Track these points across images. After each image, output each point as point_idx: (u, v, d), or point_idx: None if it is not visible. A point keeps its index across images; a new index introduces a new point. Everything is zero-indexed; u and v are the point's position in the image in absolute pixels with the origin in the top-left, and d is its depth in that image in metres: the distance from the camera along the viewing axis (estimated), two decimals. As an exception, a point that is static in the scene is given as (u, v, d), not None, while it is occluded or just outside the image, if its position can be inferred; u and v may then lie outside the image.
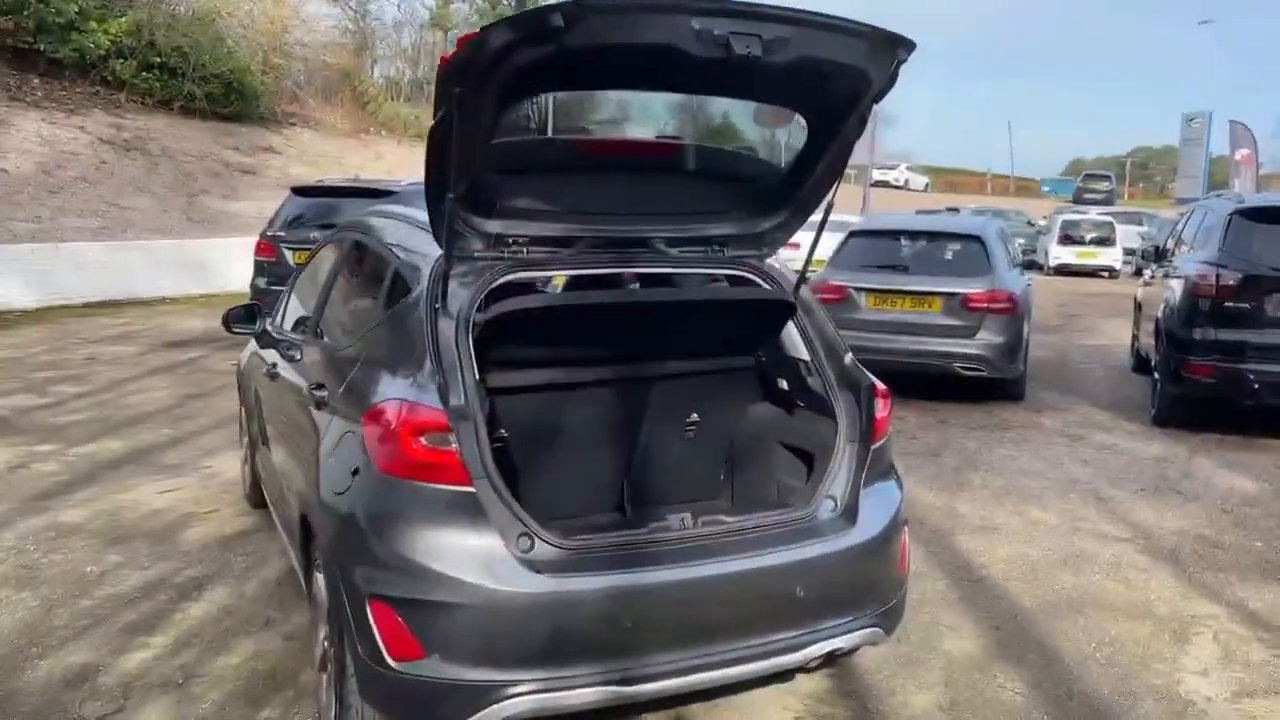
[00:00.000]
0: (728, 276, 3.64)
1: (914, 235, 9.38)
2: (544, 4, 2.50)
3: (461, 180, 2.84)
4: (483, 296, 3.08)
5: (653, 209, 3.49)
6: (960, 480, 6.55)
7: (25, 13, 18.25)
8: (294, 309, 4.74)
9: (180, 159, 19.46)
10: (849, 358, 3.50)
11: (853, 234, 9.51)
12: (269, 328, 4.64)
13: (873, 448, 3.32)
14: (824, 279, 9.04)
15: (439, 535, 2.71)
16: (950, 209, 27.85)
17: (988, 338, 8.47)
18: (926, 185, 54.49)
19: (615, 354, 3.64)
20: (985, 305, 8.48)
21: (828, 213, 3.39)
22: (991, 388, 8.87)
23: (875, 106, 3.12)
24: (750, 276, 3.58)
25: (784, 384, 3.76)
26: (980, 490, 6.34)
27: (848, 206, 28.55)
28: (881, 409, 3.41)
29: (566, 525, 3.42)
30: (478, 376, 2.94)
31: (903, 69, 2.95)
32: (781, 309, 3.56)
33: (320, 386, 3.40)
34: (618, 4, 2.60)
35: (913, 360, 8.57)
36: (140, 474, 6.13)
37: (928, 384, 8.80)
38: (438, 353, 2.89)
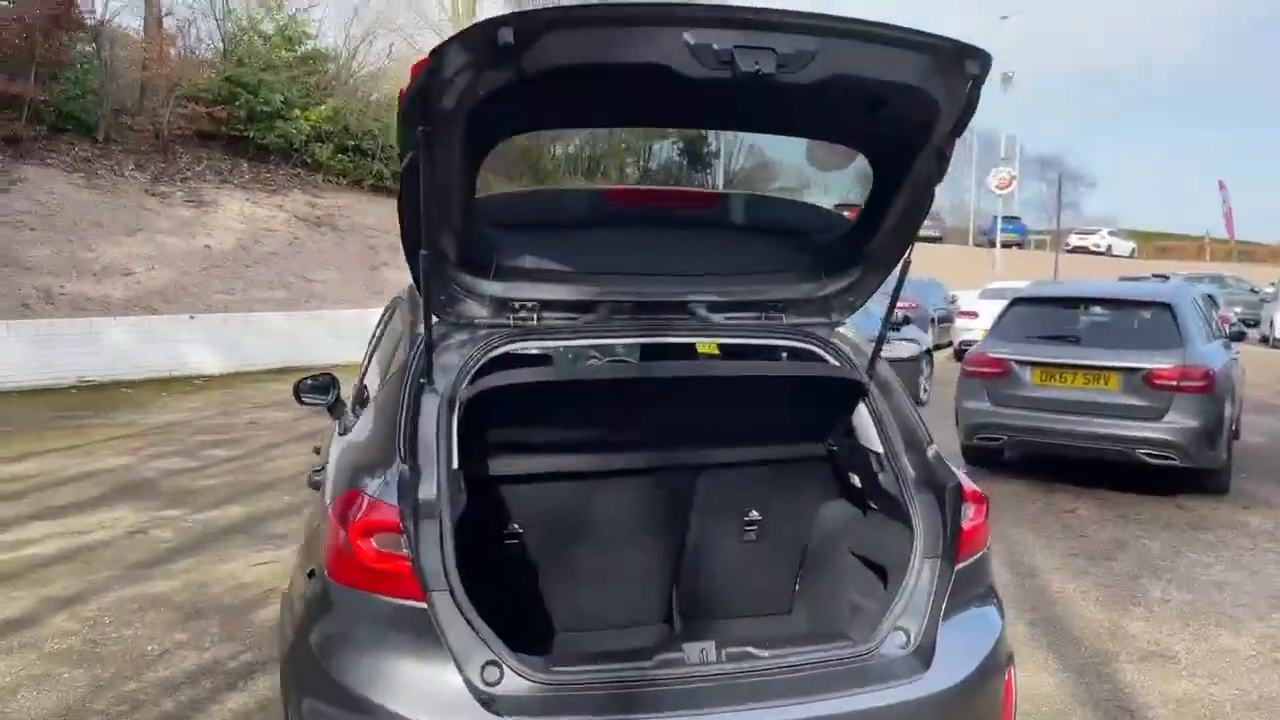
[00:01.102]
0: (786, 349, 3.10)
1: (1089, 302, 8.37)
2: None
3: (442, 234, 2.49)
4: (474, 370, 2.69)
5: (694, 269, 3.01)
6: (1135, 591, 5.54)
7: (237, 104, 19.97)
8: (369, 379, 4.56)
9: (365, 234, 20.55)
10: (933, 451, 2.86)
11: (1016, 301, 8.58)
12: (341, 398, 4.45)
13: (958, 567, 2.65)
14: (982, 351, 8.17)
15: (382, 660, 2.28)
16: (1158, 276, 25.56)
17: (1179, 420, 7.32)
18: (1132, 251, 50.57)
19: (653, 437, 3.15)
20: (1175, 383, 7.34)
21: (904, 273, 2.80)
22: (1186, 478, 7.65)
23: (967, 136, 2.54)
24: (813, 349, 3.02)
25: (855, 480, 3.15)
26: (1159, 606, 5.32)
27: (1036, 274, 26.82)
28: (973, 516, 2.74)
29: (597, 639, 2.92)
30: (454, 464, 2.53)
31: (982, 91, 2.36)
32: (849, 389, 2.97)
33: (320, 469, 3.10)
34: (581, 13, 2.13)
35: (1088, 444, 7.54)
36: (245, 544, 6.10)
37: (1109, 471, 7.71)
38: (413, 435, 2.51)
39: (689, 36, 2.08)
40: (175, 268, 16.46)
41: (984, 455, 8.33)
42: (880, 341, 2.98)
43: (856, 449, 3.06)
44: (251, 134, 20.29)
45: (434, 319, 2.67)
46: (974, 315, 17.92)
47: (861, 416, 2.99)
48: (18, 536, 6.13)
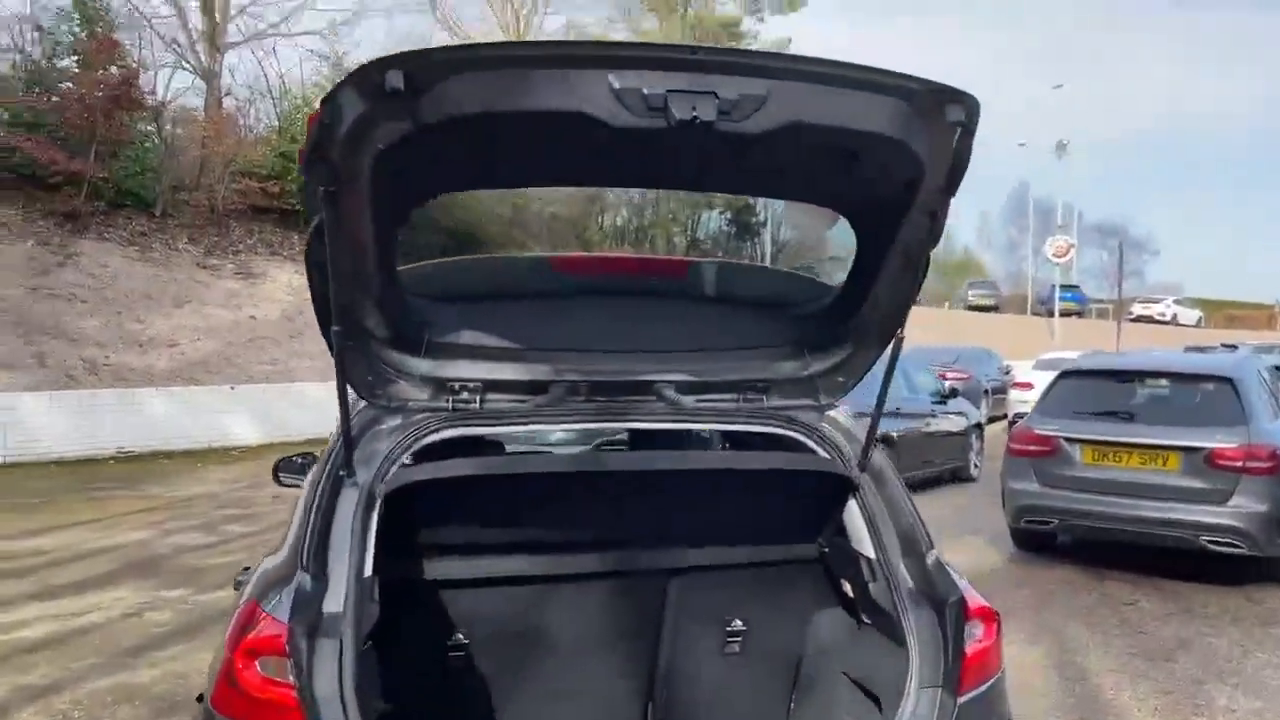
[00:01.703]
0: (767, 436, 2.75)
1: (1144, 375, 7.83)
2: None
3: (360, 307, 2.23)
4: (398, 460, 2.40)
5: (660, 344, 2.71)
6: (1199, 698, 4.96)
7: (290, 178, 20.40)
8: None
9: (411, 304, 20.66)
10: (933, 557, 2.48)
11: (1065, 373, 8.09)
12: None
13: (962, 699, 2.25)
14: (1028, 427, 7.67)
15: None
16: (1226, 345, 24.55)
17: (1245, 504, 6.71)
18: (1199, 320, 49.02)
19: (618, 537, 2.82)
20: (1240, 463, 6.77)
21: (897, 351, 2.47)
22: (1255, 566, 7.01)
23: (952, 200, 2.21)
24: (798, 437, 2.68)
25: (847, 588, 2.77)
26: (1225, 715, 4.74)
27: (1097, 343, 25.95)
28: (981, 637, 2.35)
29: None
30: (368, 570, 2.23)
31: (975, 147, 2.04)
32: (837, 485, 2.62)
33: (247, 569, 2.81)
34: (486, 53, 1.87)
35: (1145, 530, 6.96)
36: (240, 629, 5.81)
37: (1170, 558, 7.11)
38: (324, 537, 2.21)
39: (614, 80, 1.81)
40: (220, 338, 16.64)
41: (1034, 539, 7.79)
42: (874, 429, 2.63)
43: (846, 552, 2.69)
44: (302, 207, 20.66)
45: (358, 402, 2.40)
46: (1028, 387, 17.26)
47: (853, 515, 2.63)
48: (10, 618, 5.94)
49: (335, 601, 2.10)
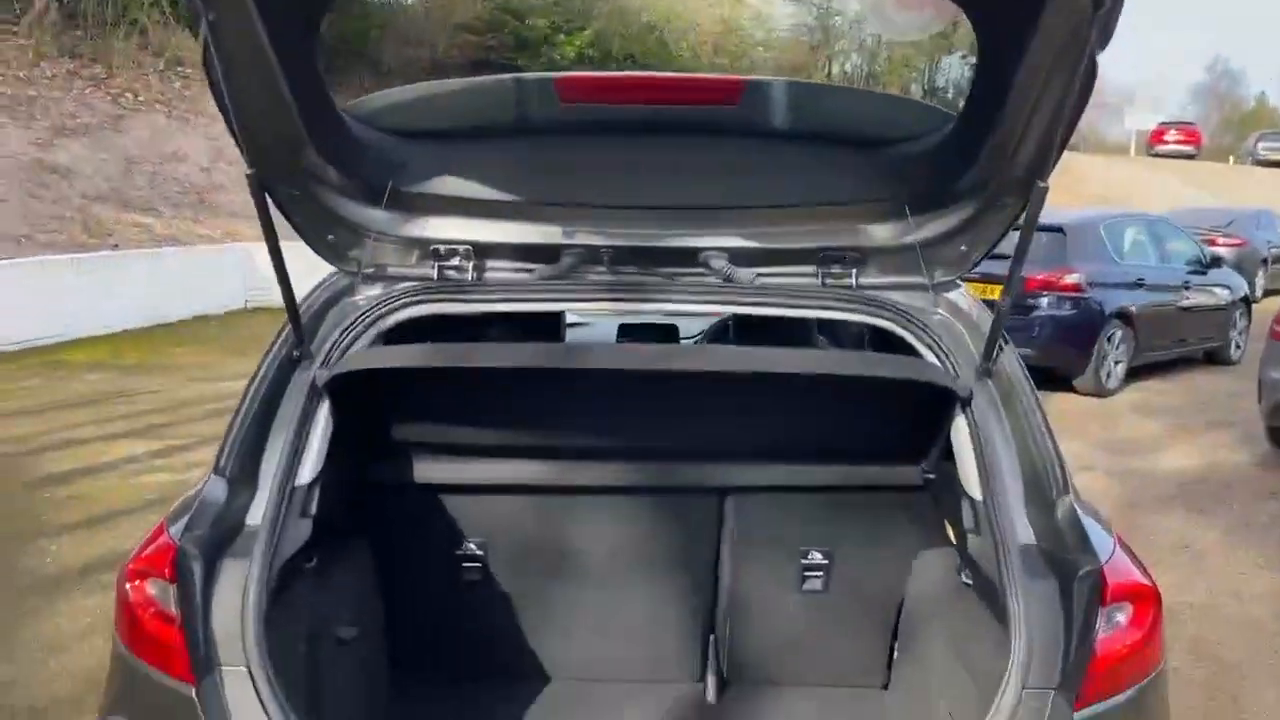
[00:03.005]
0: (854, 326, 2.08)
1: None
2: None
3: (284, 142, 1.77)
4: (354, 340, 1.98)
5: (707, 198, 2.10)
6: None
7: (506, 30, 20.32)
8: None
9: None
10: (1067, 506, 1.76)
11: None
12: None
13: (1086, 713, 1.60)
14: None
15: None
16: None
17: None
18: None
19: (650, 445, 2.30)
20: None
21: (1036, 209, 1.71)
22: None
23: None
24: (896, 329, 2.01)
25: (950, 533, 2.12)
26: None
27: None
28: (1126, 626, 1.65)
29: (602, 696, 2.21)
30: (304, 477, 1.84)
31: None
32: (941, 399, 1.94)
33: None
34: None
35: None
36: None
37: None
38: (259, 431, 1.85)
39: None
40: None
41: (1296, 440, 6.52)
42: (998, 324, 1.92)
43: (951, 487, 2.04)
44: (520, 61, 20.59)
45: (295, 292, 1.96)
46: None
47: (961, 438, 1.96)
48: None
49: (256, 515, 1.75)
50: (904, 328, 2.01)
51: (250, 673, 1.58)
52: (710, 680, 2.48)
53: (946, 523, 2.17)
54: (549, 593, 2.42)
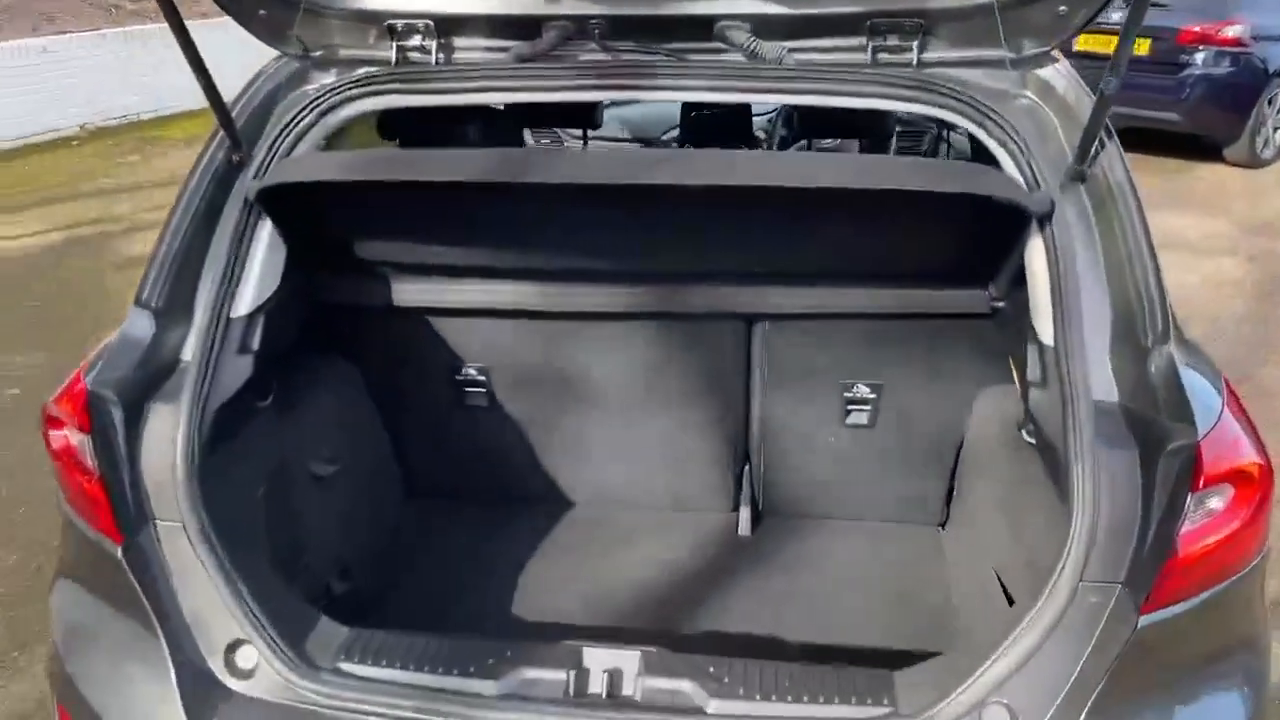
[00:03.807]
0: (912, 121, 1.71)
1: None
2: None
3: None
4: (298, 141, 1.74)
5: None
6: None
7: None
8: None
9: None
10: (1164, 357, 1.43)
11: None
12: None
13: (1156, 616, 1.35)
14: None
15: (83, 634, 1.58)
16: None
17: None
18: None
19: (659, 266, 2.03)
20: None
21: None
22: None
23: None
24: (965, 122, 1.65)
25: (1014, 376, 1.83)
26: None
27: None
28: (1220, 514, 1.38)
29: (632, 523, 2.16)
30: (243, 307, 1.67)
31: None
32: (1008, 215, 1.59)
33: None
34: None
35: None
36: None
37: None
38: (194, 251, 1.65)
39: None
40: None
41: None
42: (1100, 113, 1.51)
43: (1020, 321, 1.72)
44: None
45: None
46: None
47: (1036, 262, 1.62)
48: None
49: (190, 350, 1.59)
50: (973, 120, 1.64)
51: (185, 527, 1.48)
52: (744, 512, 2.35)
53: (1012, 363, 1.88)
54: (562, 419, 2.29)
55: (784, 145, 3.79)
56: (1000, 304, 1.93)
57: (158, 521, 1.49)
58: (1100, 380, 1.47)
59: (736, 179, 1.57)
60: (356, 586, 2.07)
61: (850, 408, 2.19)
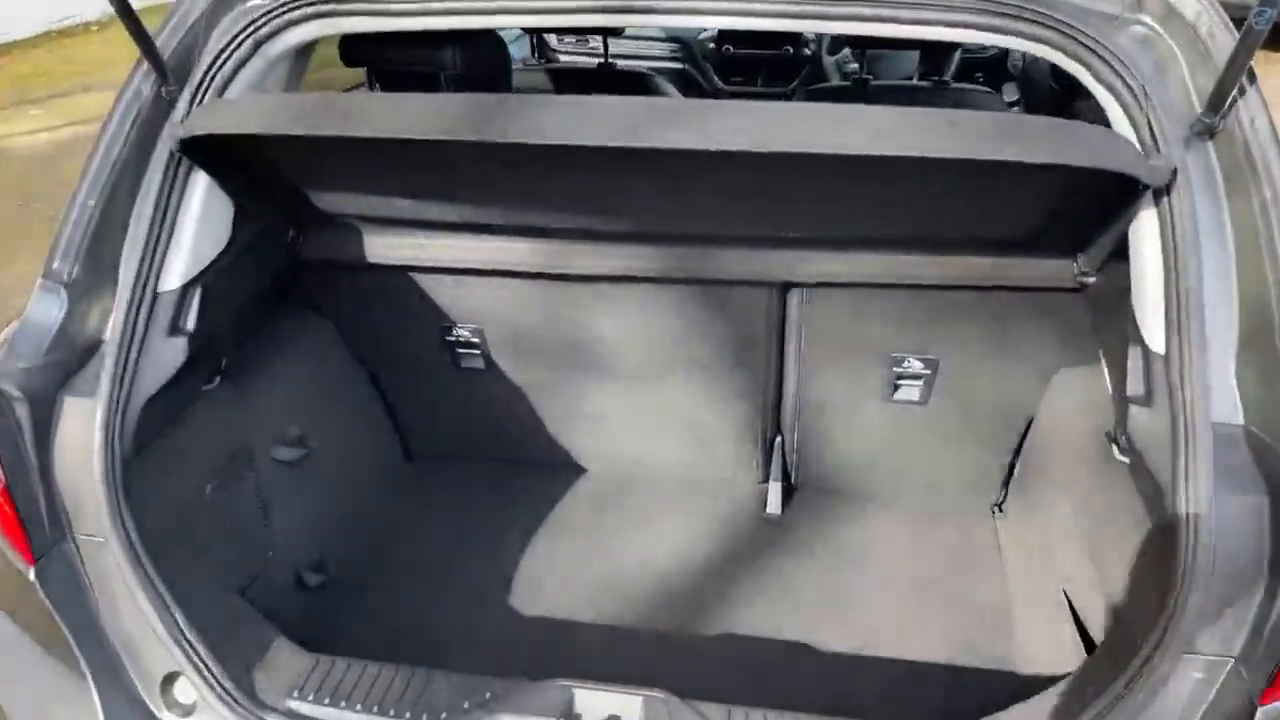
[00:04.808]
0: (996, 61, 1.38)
1: None
2: None
3: None
4: (234, 75, 1.43)
5: None
6: None
7: None
8: None
9: None
10: None
11: None
12: None
13: (1266, 708, 1.06)
14: None
15: (2, 670, 1.37)
16: None
17: None
18: None
19: (670, 227, 1.70)
20: None
21: None
22: None
23: None
24: (1066, 61, 1.29)
25: (1105, 372, 1.52)
26: None
27: None
28: None
29: (649, 490, 2.08)
30: (174, 280, 1.40)
31: None
32: (1110, 183, 1.26)
33: None
34: None
35: None
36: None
37: None
38: (112, 211, 1.38)
39: None
40: None
41: None
42: (1243, 52, 1.15)
43: (1116, 301, 1.38)
44: None
45: None
46: None
47: (1143, 238, 1.28)
48: None
49: (114, 329, 1.33)
50: (1076, 58, 1.28)
51: (108, 542, 1.26)
52: (773, 487, 2.09)
53: (1102, 354, 1.56)
54: (569, 385, 2.03)
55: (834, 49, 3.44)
56: (1090, 279, 1.58)
57: (78, 536, 1.27)
58: (1222, 398, 1.15)
59: (778, 142, 1.24)
60: (334, 576, 1.87)
61: (900, 382, 1.90)
